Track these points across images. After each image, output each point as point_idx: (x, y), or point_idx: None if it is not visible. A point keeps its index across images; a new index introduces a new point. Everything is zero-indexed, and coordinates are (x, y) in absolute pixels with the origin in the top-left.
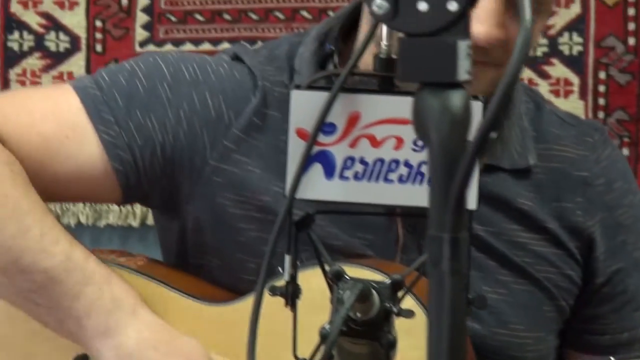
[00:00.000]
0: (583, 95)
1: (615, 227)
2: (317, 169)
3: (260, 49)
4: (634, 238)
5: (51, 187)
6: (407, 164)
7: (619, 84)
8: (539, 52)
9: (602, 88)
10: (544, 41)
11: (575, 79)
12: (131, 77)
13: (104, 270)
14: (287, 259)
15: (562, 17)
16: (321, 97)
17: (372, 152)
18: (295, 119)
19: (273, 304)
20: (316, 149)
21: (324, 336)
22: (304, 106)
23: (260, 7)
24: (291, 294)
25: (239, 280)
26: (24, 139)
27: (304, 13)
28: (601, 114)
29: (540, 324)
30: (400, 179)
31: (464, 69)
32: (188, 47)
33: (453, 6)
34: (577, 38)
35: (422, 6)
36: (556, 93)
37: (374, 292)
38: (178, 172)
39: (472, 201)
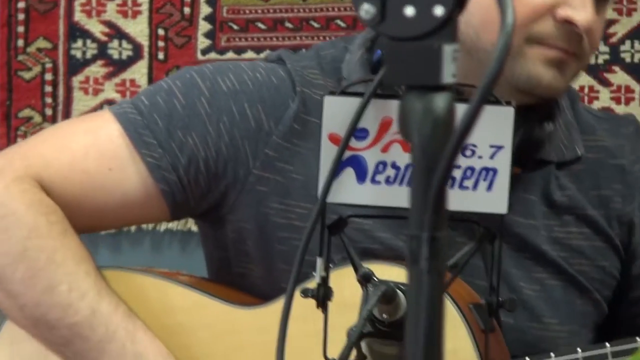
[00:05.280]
0: None
1: None
2: (349, 173)
3: (306, 52)
4: None
5: (101, 219)
6: None
7: None
8: (601, 59)
9: None
10: (605, 49)
11: (636, 87)
12: (169, 97)
13: (130, 325)
14: (319, 261)
15: (624, 25)
16: (354, 102)
17: (404, 156)
18: (327, 124)
19: (306, 306)
20: (348, 153)
21: (352, 337)
22: (337, 112)
23: (322, 15)
24: (322, 296)
25: (280, 290)
26: (68, 179)
27: None
28: None
29: (573, 318)
30: None
31: (449, 73)
32: (249, 55)
33: (440, 11)
34: (638, 46)
35: (409, 11)
36: (617, 100)
37: (400, 293)
38: (223, 184)
39: (502, 206)
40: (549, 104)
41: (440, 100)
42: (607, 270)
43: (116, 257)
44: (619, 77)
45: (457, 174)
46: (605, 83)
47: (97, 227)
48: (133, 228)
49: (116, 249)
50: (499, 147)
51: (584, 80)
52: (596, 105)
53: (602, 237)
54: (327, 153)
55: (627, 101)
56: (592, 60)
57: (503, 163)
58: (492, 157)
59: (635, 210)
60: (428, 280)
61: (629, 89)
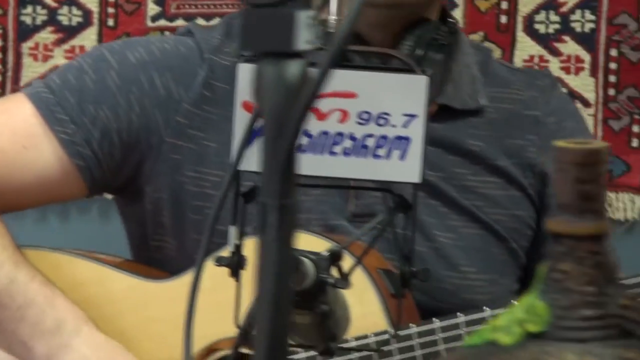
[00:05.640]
0: (594, 72)
1: None
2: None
3: (216, 24)
4: None
5: (18, 198)
6: (351, 137)
7: (630, 62)
8: (551, 29)
9: (613, 65)
10: (555, 18)
11: (586, 57)
12: (79, 73)
13: (48, 292)
14: (232, 229)
15: None
16: None
17: (317, 125)
18: (241, 91)
19: (217, 276)
20: (262, 121)
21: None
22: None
23: None
24: (236, 264)
25: (194, 262)
26: None
27: None
28: (612, 91)
29: (490, 266)
30: (345, 152)
31: (303, 39)
32: (200, 22)
33: None
34: (589, 15)
35: None
36: (567, 70)
37: (307, 262)
38: (137, 155)
39: (415, 175)
40: (419, 23)
41: (293, 68)
42: (523, 220)
43: (64, 225)
44: (569, 46)
45: (370, 142)
46: (555, 53)
47: (16, 206)
48: None
49: (64, 217)
50: (413, 116)
51: (533, 49)
52: None
53: (516, 186)
54: (241, 121)
55: (577, 71)
56: (543, 30)
57: (416, 132)
58: (405, 125)
59: (548, 162)
60: (276, 248)
61: (579, 59)
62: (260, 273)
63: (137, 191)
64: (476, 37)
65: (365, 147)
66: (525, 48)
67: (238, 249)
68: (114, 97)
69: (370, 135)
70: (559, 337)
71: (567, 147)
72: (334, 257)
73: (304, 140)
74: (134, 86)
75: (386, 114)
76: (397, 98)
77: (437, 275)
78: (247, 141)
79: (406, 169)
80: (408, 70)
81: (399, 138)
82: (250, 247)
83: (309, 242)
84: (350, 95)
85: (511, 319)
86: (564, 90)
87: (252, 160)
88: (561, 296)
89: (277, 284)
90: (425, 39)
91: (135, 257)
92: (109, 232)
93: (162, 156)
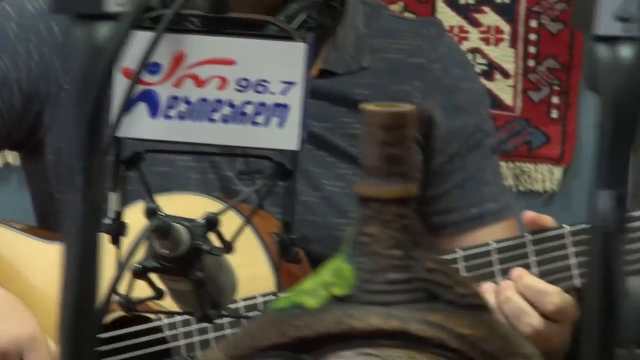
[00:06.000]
0: (514, 43)
1: (455, 109)
2: (141, 108)
3: None
4: (474, 120)
5: None
6: (230, 104)
7: (550, 33)
8: None
9: (533, 36)
10: None
11: (506, 27)
12: None
13: None
14: (113, 196)
15: None
16: (146, 37)
17: (196, 91)
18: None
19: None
20: (140, 88)
21: (135, 272)
22: (130, 45)
23: None
24: (116, 232)
25: None
26: None
27: None
28: (532, 62)
29: None
30: (224, 119)
31: (113, 1)
32: None
33: None
34: None
35: None
36: (486, 41)
37: (181, 229)
38: (37, 103)
39: (293, 142)
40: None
41: (102, 30)
42: None
43: None
44: (489, 17)
45: (248, 109)
46: (475, 23)
47: None
48: (0, 164)
49: None
50: (291, 83)
51: (453, 20)
52: (466, 45)
53: None
54: (120, 87)
55: (497, 42)
56: (462, 0)
57: (295, 99)
58: (284, 93)
59: (434, 107)
60: (82, 210)
61: (498, 30)
62: (68, 234)
63: (39, 144)
64: (396, 7)
65: (244, 114)
66: (445, 19)
67: (119, 215)
68: (13, 47)
69: (248, 103)
70: (364, 301)
71: (372, 110)
72: (211, 223)
73: (182, 107)
74: (33, 34)
75: (265, 81)
76: (276, 65)
77: (329, 223)
78: (125, 109)
79: (285, 136)
80: (287, 37)
81: (278, 105)
82: (131, 214)
83: (195, 203)
84: (229, 62)
85: (318, 282)
86: (484, 61)
87: (131, 127)
88: (367, 259)
89: (83, 246)
90: (296, 16)
91: (41, 217)
92: (29, 202)
93: (61, 103)
